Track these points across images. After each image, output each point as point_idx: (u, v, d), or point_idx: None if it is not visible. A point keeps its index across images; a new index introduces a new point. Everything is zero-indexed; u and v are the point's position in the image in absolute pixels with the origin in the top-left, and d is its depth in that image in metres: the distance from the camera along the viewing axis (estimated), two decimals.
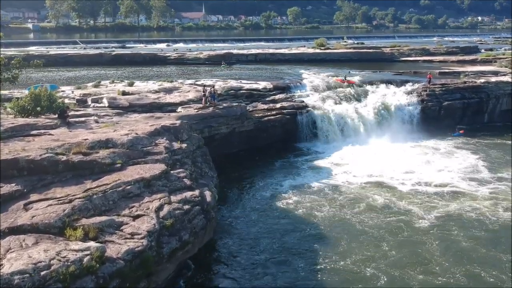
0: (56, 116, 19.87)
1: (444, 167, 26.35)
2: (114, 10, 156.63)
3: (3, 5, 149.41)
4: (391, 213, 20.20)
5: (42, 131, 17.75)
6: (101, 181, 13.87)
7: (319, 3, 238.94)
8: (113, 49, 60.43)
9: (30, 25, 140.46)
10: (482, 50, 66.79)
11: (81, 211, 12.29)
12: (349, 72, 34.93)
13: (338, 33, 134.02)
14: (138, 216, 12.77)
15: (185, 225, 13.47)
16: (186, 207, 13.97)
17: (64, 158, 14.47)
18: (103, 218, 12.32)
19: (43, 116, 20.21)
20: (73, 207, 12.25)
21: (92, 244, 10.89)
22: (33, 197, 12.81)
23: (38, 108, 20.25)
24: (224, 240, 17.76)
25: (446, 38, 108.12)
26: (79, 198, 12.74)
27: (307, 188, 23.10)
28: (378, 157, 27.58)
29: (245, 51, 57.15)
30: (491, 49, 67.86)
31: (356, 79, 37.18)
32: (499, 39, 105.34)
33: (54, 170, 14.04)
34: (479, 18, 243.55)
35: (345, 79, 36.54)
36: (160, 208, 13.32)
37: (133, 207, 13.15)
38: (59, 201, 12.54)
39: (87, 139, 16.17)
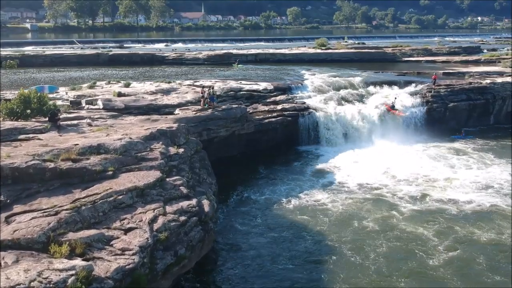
0: (47, 119, 18.87)
1: (459, 177, 24.05)
2: (113, 10, 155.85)
3: (1, 5, 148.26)
4: (396, 237, 17.48)
5: (31, 135, 16.79)
6: (91, 190, 12.91)
7: (319, 3, 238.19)
8: (110, 49, 59.41)
9: (28, 25, 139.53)
10: (485, 51, 66.08)
11: (68, 224, 11.35)
12: (395, 98, 32.16)
13: (338, 33, 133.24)
14: (130, 229, 11.82)
15: (181, 238, 12.52)
16: (182, 218, 13.01)
17: (52, 165, 13.52)
18: (92, 231, 11.37)
19: (33, 119, 19.23)
20: (59, 220, 11.31)
21: (78, 262, 9.93)
22: (17, 208, 11.87)
23: (28, 111, 19.25)
24: (219, 253, 16.49)
25: (447, 38, 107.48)
26: (66, 209, 11.80)
27: (305, 199, 21.36)
28: (383, 163, 26.23)
29: (245, 51, 56.11)
30: (493, 49, 67.04)
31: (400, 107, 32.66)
32: (500, 39, 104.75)
33: (40, 179, 13.10)
34: (479, 18, 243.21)
35: (393, 108, 32.17)
36: (154, 220, 12.37)
37: (124, 219, 12.20)
38: (44, 213, 11.59)
39: (78, 144, 15.21)
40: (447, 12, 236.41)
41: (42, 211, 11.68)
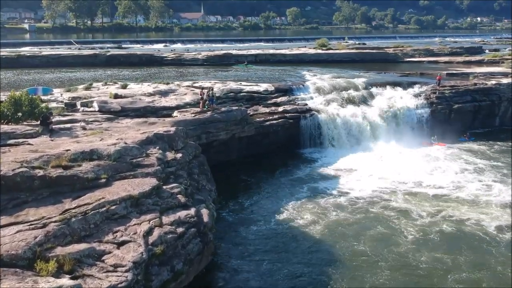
0: (38, 122, 18.04)
1: (473, 188, 21.96)
2: (112, 10, 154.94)
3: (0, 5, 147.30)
4: (402, 268, 14.69)
5: (21, 140, 15.97)
6: (82, 200, 12.09)
7: (318, 3, 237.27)
8: (108, 49, 58.60)
9: (26, 26, 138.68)
10: (487, 51, 65.45)
11: (56, 237, 10.54)
12: (434, 137, 30.44)
13: (338, 33, 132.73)
14: (123, 243, 11.00)
15: (178, 252, 11.70)
16: (180, 229, 12.18)
17: (41, 173, 12.67)
18: (82, 246, 10.56)
19: (24, 123, 18.41)
20: (47, 233, 10.50)
21: (65, 281, 9.13)
22: (2, 220, 11.02)
23: (19, 114, 18.43)
24: (218, 265, 15.39)
25: (447, 39, 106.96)
26: (55, 221, 10.99)
27: (308, 206, 19.90)
28: (387, 169, 25.00)
29: (244, 52, 55.32)
30: (495, 50, 66.35)
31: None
32: (501, 40, 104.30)
33: (28, 188, 12.25)
34: (478, 18, 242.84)
35: (433, 141, 30.53)
36: (149, 232, 11.55)
37: (117, 231, 11.38)
38: (31, 226, 10.78)
39: (69, 149, 14.35)
40: (446, 13, 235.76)
41: (29, 224, 10.86)
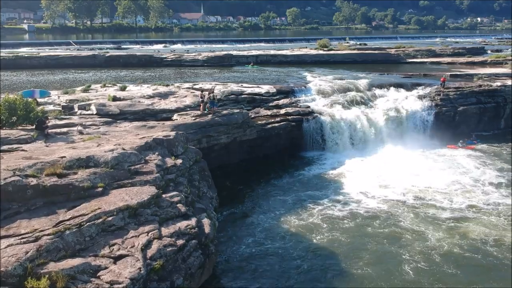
0: (34, 127, 17.44)
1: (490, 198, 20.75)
2: (111, 10, 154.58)
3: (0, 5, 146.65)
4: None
5: (14, 146, 15.37)
6: (77, 211, 11.49)
7: (318, 3, 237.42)
8: (108, 50, 58.02)
9: (25, 26, 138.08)
10: (489, 51, 64.93)
11: (49, 252, 9.95)
12: (464, 142, 29.80)
13: (338, 34, 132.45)
14: (120, 257, 10.41)
15: (178, 266, 11.09)
16: (180, 242, 11.58)
17: (35, 181, 12.08)
18: (76, 261, 9.96)
19: (19, 128, 17.80)
20: (39, 247, 9.91)
21: None
22: None
23: (14, 118, 17.82)
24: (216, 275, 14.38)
25: (448, 39, 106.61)
26: (48, 234, 10.40)
27: (303, 219, 18.50)
28: (390, 175, 24.08)
29: (245, 52, 54.70)
30: (497, 50, 65.84)
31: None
32: (502, 40, 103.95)
33: (21, 197, 11.66)
34: (478, 19, 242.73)
35: (460, 145, 30.04)
36: (147, 245, 10.95)
37: (114, 244, 10.78)
38: (23, 239, 10.19)
39: (65, 156, 13.76)
40: (446, 13, 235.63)
41: (20, 237, 10.27)
